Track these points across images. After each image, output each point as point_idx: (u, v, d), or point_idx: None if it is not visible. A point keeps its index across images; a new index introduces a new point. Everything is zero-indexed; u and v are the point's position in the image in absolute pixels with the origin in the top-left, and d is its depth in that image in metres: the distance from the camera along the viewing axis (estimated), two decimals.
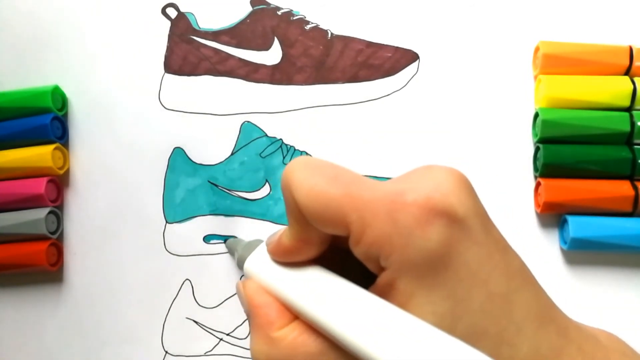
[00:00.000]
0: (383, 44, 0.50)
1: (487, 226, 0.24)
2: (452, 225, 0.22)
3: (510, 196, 0.48)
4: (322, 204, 0.24)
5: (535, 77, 0.48)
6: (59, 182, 0.51)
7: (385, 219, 0.23)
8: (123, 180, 0.51)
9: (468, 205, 0.23)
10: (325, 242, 0.27)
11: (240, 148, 0.50)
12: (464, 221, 0.23)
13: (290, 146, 0.50)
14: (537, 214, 0.48)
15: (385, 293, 0.24)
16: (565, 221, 0.46)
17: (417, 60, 0.50)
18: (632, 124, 0.45)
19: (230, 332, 0.49)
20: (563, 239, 0.47)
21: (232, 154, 0.50)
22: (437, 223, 0.22)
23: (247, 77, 0.51)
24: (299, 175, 0.25)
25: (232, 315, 0.49)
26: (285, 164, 0.49)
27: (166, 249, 0.50)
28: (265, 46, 0.51)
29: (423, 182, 0.23)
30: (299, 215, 0.25)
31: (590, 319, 0.46)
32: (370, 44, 0.50)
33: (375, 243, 0.23)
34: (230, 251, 0.28)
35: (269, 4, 0.52)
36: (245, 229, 0.49)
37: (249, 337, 0.48)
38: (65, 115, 0.52)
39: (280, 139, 0.50)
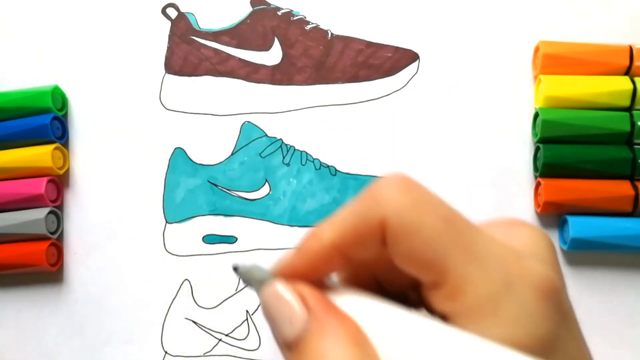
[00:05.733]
0: (383, 44, 0.50)
1: (574, 315, 0.22)
2: (560, 314, 0.21)
3: (510, 196, 0.48)
4: (425, 247, 0.20)
5: (535, 77, 0.48)
6: (59, 182, 0.51)
7: (500, 282, 0.20)
8: (123, 180, 0.51)
9: (567, 295, 0.22)
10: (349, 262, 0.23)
11: (241, 148, 0.50)
12: (568, 314, 0.21)
13: (290, 146, 0.50)
14: (537, 214, 0.48)
15: None
16: (565, 221, 0.46)
17: (417, 60, 0.50)
18: (632, 123, 0.45)
19: (229, 333, 0.49)
20: (563, 239, 0.47)
21: (232, 154, 0.50)
22: (550, 309, 0.20)
23: (248, 78, 0.51)
24: (406, 207, 0.21)
25: (231, 316, 0.49)
26: (285, 164, 0.49)
27: (166, 249, 0.50)
28: (266, 46, 0.51)
29: (534, 248, 0.22)
30: (374, 235, 0.21)
31: (590, 319, 0.46)
32: (370, 44, 0.50)
33: (476, 303, 0.20)
34: (248, 280, 0.21)
35: (269, 4, 0.52)
36: (245, 229, 0.49)
37: (247, 337, 0.48)
38: (65, 115, 0.52)
39: (280, 139, 0.50)
